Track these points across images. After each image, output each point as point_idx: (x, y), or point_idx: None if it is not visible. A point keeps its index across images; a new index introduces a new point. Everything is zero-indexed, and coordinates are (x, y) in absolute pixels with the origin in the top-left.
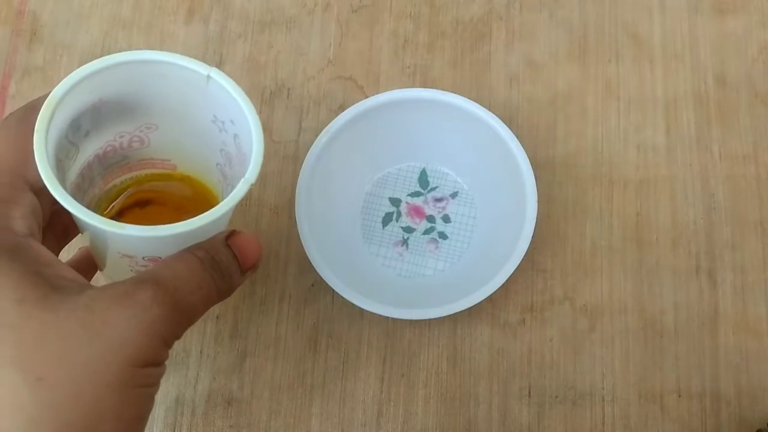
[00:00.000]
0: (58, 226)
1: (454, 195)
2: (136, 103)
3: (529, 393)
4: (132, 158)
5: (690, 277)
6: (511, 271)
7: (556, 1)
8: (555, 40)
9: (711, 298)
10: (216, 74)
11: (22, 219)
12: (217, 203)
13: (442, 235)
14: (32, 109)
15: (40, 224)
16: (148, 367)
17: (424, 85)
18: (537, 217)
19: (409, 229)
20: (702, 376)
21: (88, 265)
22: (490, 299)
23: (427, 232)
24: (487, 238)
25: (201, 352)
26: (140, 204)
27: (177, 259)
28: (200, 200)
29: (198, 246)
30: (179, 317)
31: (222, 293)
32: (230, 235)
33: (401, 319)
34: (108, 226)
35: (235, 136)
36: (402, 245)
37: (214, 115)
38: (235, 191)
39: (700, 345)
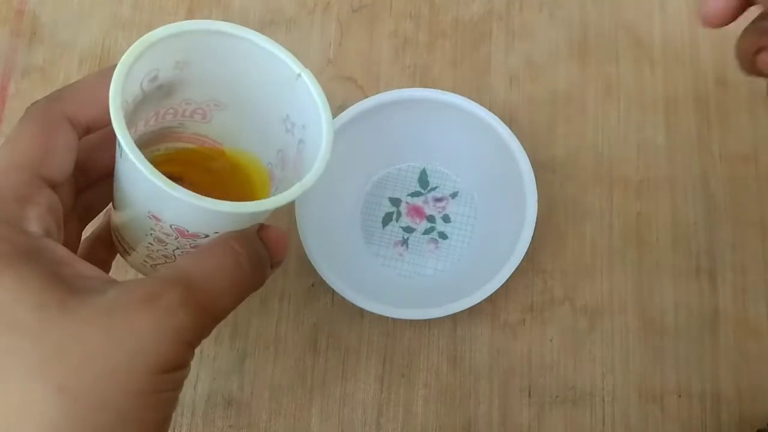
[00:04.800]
0: (80, 208)
1: (454, 195)
2: (216, 76)
3: (529, 393)
4: (188, 129)
5: (690, 278)
6: (511, 272)
7: (556, 1)
8: (555, 40)
9: (711, 299)
10: (306, 76)
11: (37, 219)
12: (257, 197)
13: (442, 235)
14: (57, 99)
15: (59, 222)
16: (171, 372)
17: (424, 85)
18: (537, 217)
19: (409, 229)
20: (702, 377)
21: (104, 247)
22: (491, 299)
23: (427, 232)
24: (487, 238)
25: (201, 352)
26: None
27: (211, 253)
28: (233, 189)
29: (234, 237)
30: (207, 320)
31: (253, 288)
32: (261, 229)
33: (401, 320)
34: (170, 188)
35: (301, 141)
36: (402, 245)
37: (287, 115)
38: (293, 189)
39: (700, 345)
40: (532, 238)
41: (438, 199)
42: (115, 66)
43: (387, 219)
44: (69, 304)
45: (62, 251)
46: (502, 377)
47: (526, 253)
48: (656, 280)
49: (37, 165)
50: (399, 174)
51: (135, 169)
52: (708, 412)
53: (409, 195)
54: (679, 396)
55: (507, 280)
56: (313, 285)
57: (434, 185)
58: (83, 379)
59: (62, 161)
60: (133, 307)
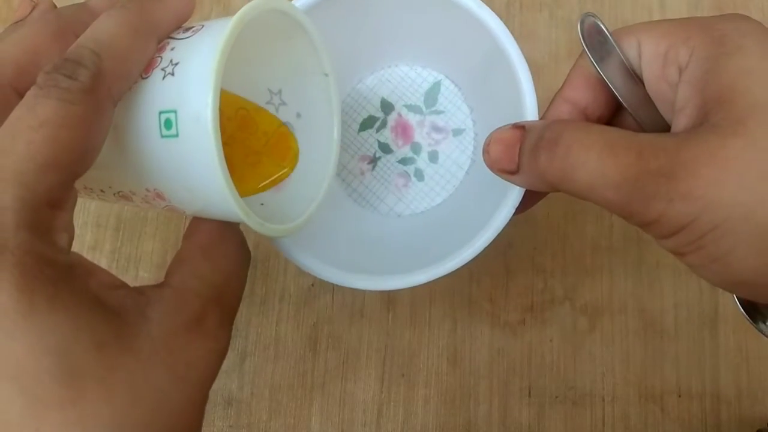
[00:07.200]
0: None
1: (457, 132)
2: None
3: (529, 393)
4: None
5: (690, 277)
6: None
7: (556, 1)
8: (555, 40)
9: (711, 298)
10: (333, 80)
11: (64, 230)
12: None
13: (419, 175)
14: (101, 73)
15: None
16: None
17: None
18: (537, 218)
19: (386, 149)
20: (702, 376)
21: None
22: (490, 299)
23: (403, 162)
24: (467, 203)
25: None
26: None
27: (223, 254)
28: None
29: (234, 230)
30: (230, 333)
31: None
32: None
33: (401, 320)
34: (264, 230)
35: (286, 124)
36: (369, 163)
37: (280, 90)
38: (313, 208)
39: (700, 345)
40: (533, 238)
41: (437, 129)
42: (140, 14)
43: (367, 123)
44: (125, 339)
45: (85, 262)
46: (502, 377)
47: (526, 253)
48: (656, 279)
49: (76, 162)
50: (406, 76)
51: (201, 173)
52: (708, 412)
53: (405, 105)
54: (679, 396)
55: (507, 280)
56: (312, 285)
57: (441, 108)
58: (159, 424)
59: (97, 153)
60: (186, 338)
